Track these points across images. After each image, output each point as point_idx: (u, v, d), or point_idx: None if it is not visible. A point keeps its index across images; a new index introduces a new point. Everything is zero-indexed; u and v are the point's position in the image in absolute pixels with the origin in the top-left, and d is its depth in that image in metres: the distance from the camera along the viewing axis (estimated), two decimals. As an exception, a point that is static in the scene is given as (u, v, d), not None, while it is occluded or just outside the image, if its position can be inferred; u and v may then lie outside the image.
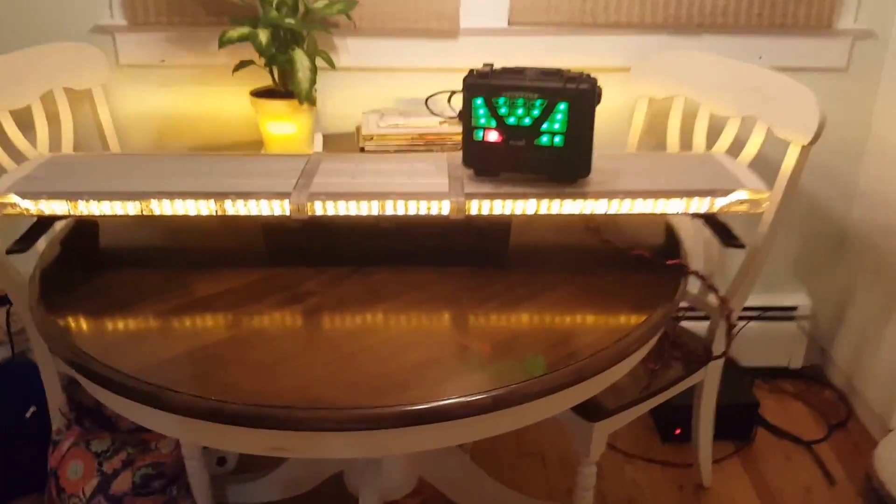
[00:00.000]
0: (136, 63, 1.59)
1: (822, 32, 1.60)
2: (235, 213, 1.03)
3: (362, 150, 1.42)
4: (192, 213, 1.03)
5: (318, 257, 1.08)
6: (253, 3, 1.40)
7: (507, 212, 1.04)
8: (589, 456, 1.24)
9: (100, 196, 1.03)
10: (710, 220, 1.09)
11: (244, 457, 1.59)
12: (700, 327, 1.41)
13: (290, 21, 1.36)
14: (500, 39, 1.58)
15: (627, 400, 1.25)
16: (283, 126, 1.42)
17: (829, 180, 1.75)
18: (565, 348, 0.87)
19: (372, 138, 1.41)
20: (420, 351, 0.87)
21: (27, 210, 1.03)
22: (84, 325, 0.91)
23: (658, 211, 1.05)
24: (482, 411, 0.80)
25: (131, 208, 1.03)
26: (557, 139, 1.01)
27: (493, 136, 1.04)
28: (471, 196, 1.03)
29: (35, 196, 1.03)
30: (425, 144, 1.41)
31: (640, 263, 1.07)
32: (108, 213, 1.03)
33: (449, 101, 1.06)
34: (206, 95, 1.62)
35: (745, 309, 1.75)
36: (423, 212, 1.03)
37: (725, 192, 1.04)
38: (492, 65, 1.04)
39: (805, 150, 1.18)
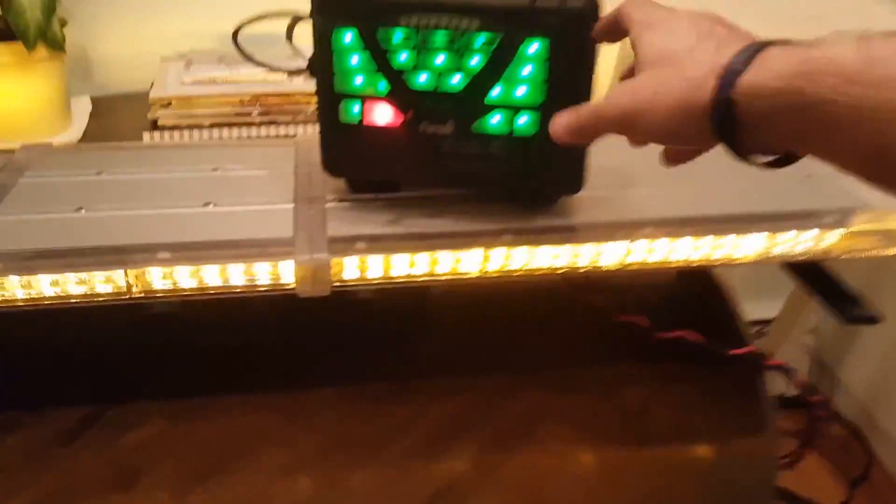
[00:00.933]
0: None
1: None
2: None
3: (155, 125, 0.83)
4: None
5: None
6: None
7: (420, 273, 0.50)
8: None
9: None
10: (813, 273, 0.57)
11: None
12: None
13: None
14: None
15: None
16: (4, 92, 0.79)
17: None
18: None
19: (169, 104, 0.81)
20: None
21: None
22: None
23: (717, 257, 0.53)
24: None
25: None
26: (524, 119, 0.47)
27: (382, 115, 0.48)
28: (340, 247, 0.48)
29: None
30: (263, 114, 0.83)
31: (677, 355, 0.56)
32: None
33: (289, 34, 0.51)
34: None
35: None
36: (238, 285, 0.47)
37: (841, 219, 0.54)
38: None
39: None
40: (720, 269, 0.64)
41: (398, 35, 0.45)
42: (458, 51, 0.45)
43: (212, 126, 0.82)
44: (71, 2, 0.85)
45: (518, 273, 0.51)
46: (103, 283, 0.46)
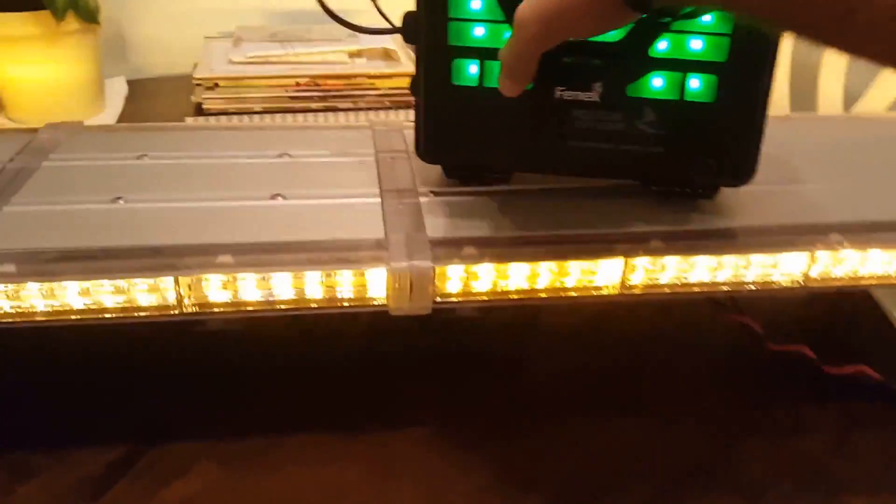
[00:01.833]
0: None
1: None
2: None
3: (200, 110, 0.73)
4: None
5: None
6: None
7: (543, 287, 0.39)
8: None
9: None
10: None
11: None
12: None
13: None
14: None
15: None
16: (32, 67, 0.70)
17: None
18: None
19: (216, 85, 0.72)
20: None
21: None
22: None
23: (919, 273, 0.42)
24: None
25: None
26: (695, 83, 0.36)
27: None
28: (443, 252, 0.37)
29: None
30: (322, 97, 0.73)
31: (852, 394, 0.44)
32: None
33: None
34: None
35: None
36: (314, 298, 0.37)
37: None
38: None
39: None
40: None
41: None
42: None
43: (263, 112, 0.72)
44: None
45: (669, 289, 0.39)
46: (146, 293, 0.35)
